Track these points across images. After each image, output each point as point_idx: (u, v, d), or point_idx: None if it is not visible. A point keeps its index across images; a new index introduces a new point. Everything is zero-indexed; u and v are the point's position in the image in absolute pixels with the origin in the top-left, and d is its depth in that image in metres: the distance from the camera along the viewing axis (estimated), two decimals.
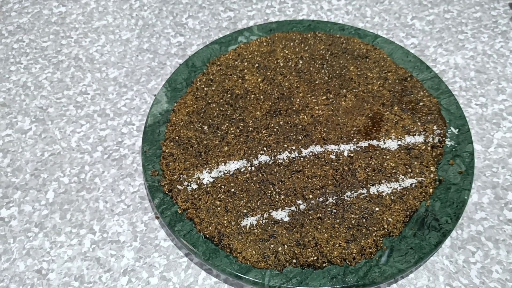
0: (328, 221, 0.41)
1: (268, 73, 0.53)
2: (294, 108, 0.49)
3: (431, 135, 0.46)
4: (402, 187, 0.43)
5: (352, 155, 0.45)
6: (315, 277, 0.38)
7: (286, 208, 0.42)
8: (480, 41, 0.60)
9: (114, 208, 0.47)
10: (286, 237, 0.40)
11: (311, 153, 0.46)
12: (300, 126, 0.48)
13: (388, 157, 0.45)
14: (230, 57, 0.55)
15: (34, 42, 0.63)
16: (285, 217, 0.41)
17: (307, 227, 0.40)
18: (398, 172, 0.44)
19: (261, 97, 0.51)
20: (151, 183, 0.44)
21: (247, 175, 0.44)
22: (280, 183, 0.43)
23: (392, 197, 0.42)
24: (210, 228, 0.41)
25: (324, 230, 0.40)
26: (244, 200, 0.42)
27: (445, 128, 0.47)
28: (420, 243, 0.39)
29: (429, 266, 0.42)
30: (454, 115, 0.48)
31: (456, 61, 0.58)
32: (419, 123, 0.47)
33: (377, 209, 0.41)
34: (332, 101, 0.50)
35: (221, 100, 0.50)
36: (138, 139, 0.52)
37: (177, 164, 0.45)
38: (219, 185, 0.44)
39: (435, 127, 0.47)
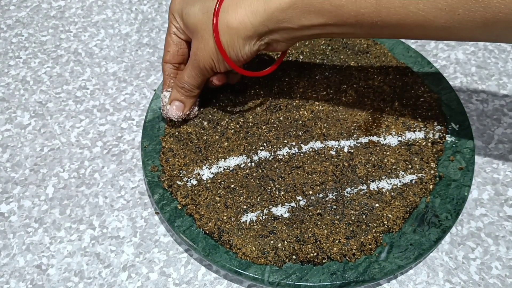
0: (328, 217, 0.41)
1: None
2: (294, 104, 0.49)
3: (432, 131, 0.46)
4: (402, 183, 0.43)
5: (352, 151, 0.45)
6: (315, 273, 0.38)
7: (286, 204, 0.42)
8: None
9: (114, 203, 0.47)
10: (286, 233, 0.40)
11: (311, 149, 0.45)
12: (300, 122, 0.48)
13: (388, 153, 0.45)
14: None
15: (33, 36, 0.63)
16: (285, 213, 0.41)
17: (307, 223, 0.40)
18: (398, 168, 0.44)
19: (261, 92, 0.50)
20: (150, 178, 0.44)
21: (247, 171, 0.44)
22: (280, 179, 0.43)
23: (392, 193, 0.42)
24: (209, 224, 0.41)
25: (324, 226, 0.40)
26: (244, 196, 0.42)
27: (445, 124, 0.47)
28: (420, 240, 0.39)
29: (428, 262, 0.42)
30: (455, 111, 0.48)
31: (457, 57, 0.58)
32: (419, 119, 0.47)
33: (377, 205, 0.41)
34: (332, 96, 0.50)
35: (221, 95, 0.50)
36: (137, 134, 0.52)
37: (176, 159, 0.45)
38: (219, 181, 0.44)
39: (435, 123, 0.47)
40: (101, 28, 0.64)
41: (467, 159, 0.44)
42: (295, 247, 0.39)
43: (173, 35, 0.45)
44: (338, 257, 0.38)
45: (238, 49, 0.40)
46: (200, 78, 0.44)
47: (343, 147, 0.45)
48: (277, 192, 0.42)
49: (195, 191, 0.43)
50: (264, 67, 0.46)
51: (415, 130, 0.46)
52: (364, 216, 0.41)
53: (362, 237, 0.39)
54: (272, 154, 0.45)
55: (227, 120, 0.48)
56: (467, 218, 0.44)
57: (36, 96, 0.56)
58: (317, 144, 0.46)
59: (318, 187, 0.43)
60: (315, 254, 0.39)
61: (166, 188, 0.43)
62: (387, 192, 0.42)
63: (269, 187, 0.43)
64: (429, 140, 0.46)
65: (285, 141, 0.46)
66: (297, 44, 0.55)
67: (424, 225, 0.40)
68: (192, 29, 0.42)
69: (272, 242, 0.39)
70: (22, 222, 0.46)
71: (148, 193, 0.47)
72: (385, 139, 0.46)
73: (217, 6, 0.39)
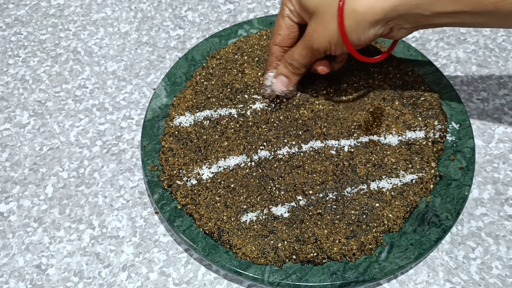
0: (328, 217, 0.41)
1: None
2: (294, 103, 0.49)
3: (432, 130, 0.46)
4: (402, 183, 0.43)
5: (352, 150, 0.45)
6: (315, 273, 0.38)
7: (286, 204, 0.42)
8: (482, 34, 0.60)
9: (113, 203, 0.46)
10: (286, 233, 0.40)
11: (311, 149, 0.45)
12: (300, 121, 0.47)
13: (388, 152, 0.45)
14: (230, 50, 0.54)
15: (32, 35, 0.63)
16: (285, 213, 0.41)
17: (307, 223, 0.40)
18: (398, 167, 0.44)
19: (261, 91, 0.50)
20: (150, 178, 0.44)
21: (247, 170, 0.44)
22: (280, 178, 0.43)
23: (392, 193, 0.42)
24: (209, 223, 0.41)
25: (324, 226, 0.40)
26: (244, 196, 0.42)
27: (446, 123, 0.47)
28: (420, 239, 0.39)
29: (429, 262, 0.42)
30: (455, 110, 0.48)
31: (458, 55, 0.58)
32: (420, 118, 0.47)
33: (377, 205, 0.41)
34: (332, 95, 0.49)
35: (221, 95, 0.50)
36: (137, 133, 0.52)
37: (176, 159, 0.45)
38: (219, 180, 0.43)
39: (436, 122, 0.47)
40: (100, 26, 0.63)
41: (467, 159, 0.44)
42: (295, 247, 0.39)
43: (286, 18, 0.44)
44: (338, 257, 0.38)
45: (361, 33, 0.39)
46: (309, 58, 0.44)
47: (343, 146, 0.45)
48: (277, 192, 0.42)
49: (195, 191, 0.43)
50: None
51: (416, 130, 0.46)
52: (364, 216, 0.41)
53: (362, 237, 0.39)
54: (272, 153, 0.45)
55: (227, 119, 0.48)
56: (468, 218, 0.44)
57: (35, 95, 0.56)
58: (317, 144, 0.46)
59: (318, 187, 0.42)
60: (315, 254, 0.39)
61: (166, 187, 0.43)
62: (388, 192, 0.42)
63: (269, 187, 0.43)
64: (430, 140, 0.45)
65: (285, 141, 0.46)
66: None
67: (425, 224, 0.40)
68: (311, 10, 0.41)
69: (272, 242, 0.39)
70: (21, 221, 0.45)
71: (147, 193, 0.47)
72: (385, 138, 0.46)
73: None
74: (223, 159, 0.45)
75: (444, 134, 0.46)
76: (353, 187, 0.42)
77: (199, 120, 0.48)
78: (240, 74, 0.52)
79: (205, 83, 0.51)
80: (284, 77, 0.46)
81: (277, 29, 0.45)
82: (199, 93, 0.50)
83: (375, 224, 0.40)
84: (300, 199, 0.42)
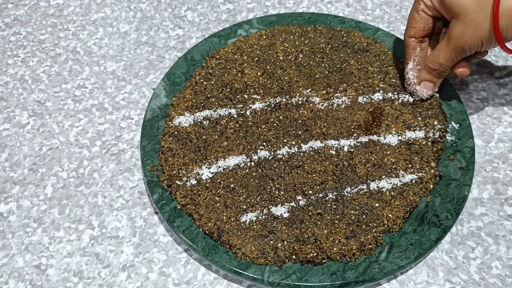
0: (328, 217, 0.41)
1: (268, 67, 0.52)
2: (293, 103, 0.49)
3: (432, 130, 0.46)
4: (402, 183, 0.43)
5: (352, 150, 0.45)
6: (315, 273, 0.38)
7: (286, 204, 0.42)
8: None
9: (113, 203, 0.46)
10: (286, 233, 0.40)
11: (311, 148, 0.45)
12: (300, 121, 0.47)
13: (388, 152, 0.45)
14: (230, 50, 0.54)
15: (32, 35, 0.63)
16: (285, 213, 0.41)
17: (307, 223, 0.40)
18: (398, 167, 0.44)
19: (261, 91, 0.50)
20: (150, 178, 0.44)
21: (247, 170, 0.44)
22: (280, 178, 0.43)
23: (392, 192, 0.42)
24: (209, 224, 0.41)
25: (323, 226, 0.40)
26: (244, 196, 0.42)
27: (445, 123, 0.47)
28: (420, 239, 0.39)
29: (428, 262, 0.42)
30: (455, 109, 0.48)
31: None
32: (419, 118, 0.47)
33: (377, 205, 0.41)
34: (332, 95, 0.49)
35: (220, 95, 0.50)
36: (137, 133, 0.52)
37: (176, 159, 0.45)
38: (219, 180, 0.43)
39: (435, 122, 0.47)
40: (100, 26, 0.63)
41: (467, 158, 0.44)
42: (295, 247, 0.39)
43: (421, 12, 0.46)
44: (338, 257, 0.38)
45: None
46: (458, 59, 0.44)
47: (343, 146, 0.45)
48: (277, 192, 0.42)
49: (195, 191, 0.43)
50: None
51: (415, 129, 0.46)
52: (364, 216, 0.41)
53: (362, 237, 0.39)
54: (272, 153, 0.45)
55: (226, 119, 0.48)
56: (467, 218, 0.44)
57: (34, 95, 0.56)
58: (317, 144, 0.46)
59: (318, 187, 0.42)
60: (315, 254, 0.39)
61: (166, 187, 0.43)
62: (387, 192, 0.42)
63: (269, 187, 0.43)
64: (429, 139, 0.45)
65: (285, 141, 0.46)
66: (297, 43, 0.54)
67: (424, 224, 0.40)
68: (457, 11, 0.41)
69: (272, 242, 0.39)
70: (21, 222, 0.45)
71: (147, 193, 0.47)
72: (385, 138, 0.46)
73: None
74: (222, 159, 0.45)
75: (444, 134, 0.46)
76: (352, 187, 0.42)
77: (199, 120, 0.48)
78: (239, 74, 0.52)
79: (204, 83, 0.51)
80: (428, 82, 0.47)
81: (412, 23, 0.47)
82: (198, 93, 0.50)
83: (375, 224, 0.40)
84: (299, 199, 0.42)
